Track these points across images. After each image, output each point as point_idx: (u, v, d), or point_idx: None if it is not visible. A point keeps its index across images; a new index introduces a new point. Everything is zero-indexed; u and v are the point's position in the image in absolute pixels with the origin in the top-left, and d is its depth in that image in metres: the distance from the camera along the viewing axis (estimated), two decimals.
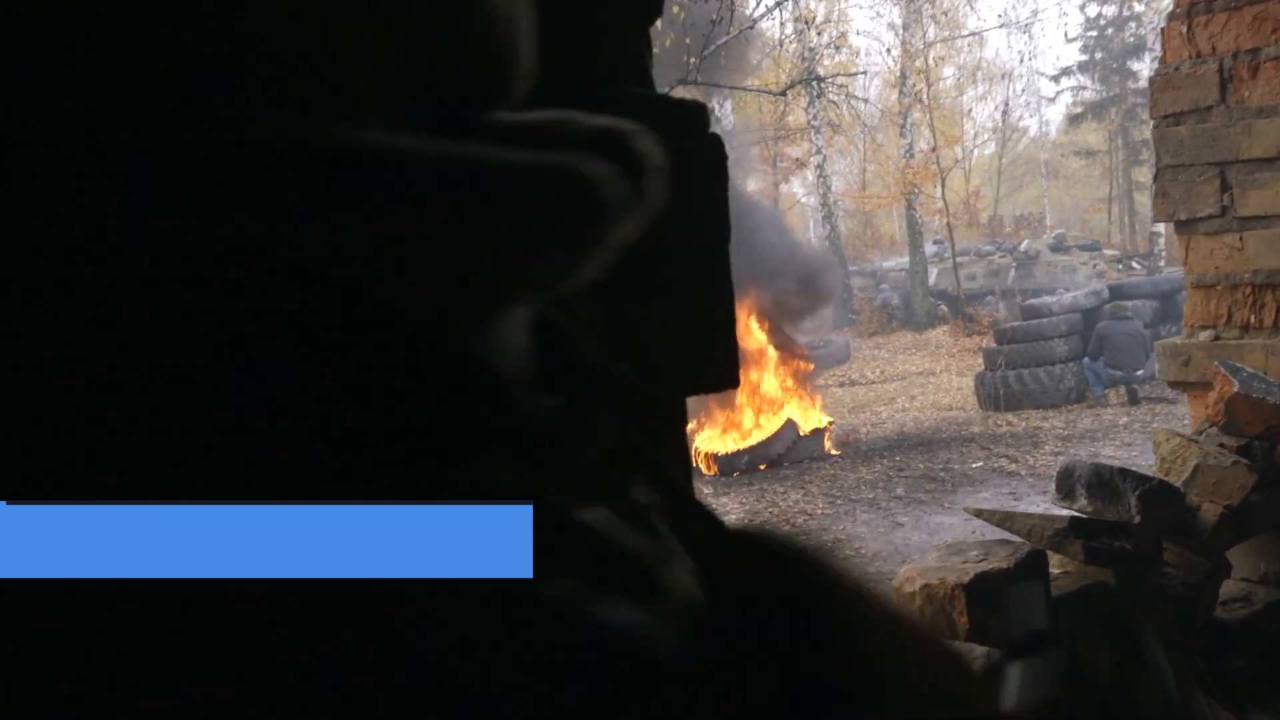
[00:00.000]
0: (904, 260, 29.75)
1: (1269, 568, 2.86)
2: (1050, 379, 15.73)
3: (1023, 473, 11.24)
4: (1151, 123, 3.15)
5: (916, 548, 8.82)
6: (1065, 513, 2.27)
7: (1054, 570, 2.37)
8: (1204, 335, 3.06)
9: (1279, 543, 2.84)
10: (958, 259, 27.69)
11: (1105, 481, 2.33)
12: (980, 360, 17.19)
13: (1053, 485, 2.38)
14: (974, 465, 11.73)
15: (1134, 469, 2.40)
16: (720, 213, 1.19)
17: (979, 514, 2.29)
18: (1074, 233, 32.69)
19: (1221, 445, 2.68)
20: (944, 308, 27.30)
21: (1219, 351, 3.00)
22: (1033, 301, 17.55)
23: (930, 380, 20.35)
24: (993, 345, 16.60)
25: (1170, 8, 3.08)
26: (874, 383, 20.81)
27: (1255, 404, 2.70)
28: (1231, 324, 3.02)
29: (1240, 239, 2.98)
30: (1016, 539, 2.24)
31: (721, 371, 1.22)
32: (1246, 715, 2.46)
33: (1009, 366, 15.92)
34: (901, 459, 12.44)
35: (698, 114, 1.16)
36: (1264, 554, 2.86)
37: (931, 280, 28.19)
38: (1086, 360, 15.43)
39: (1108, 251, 28.03)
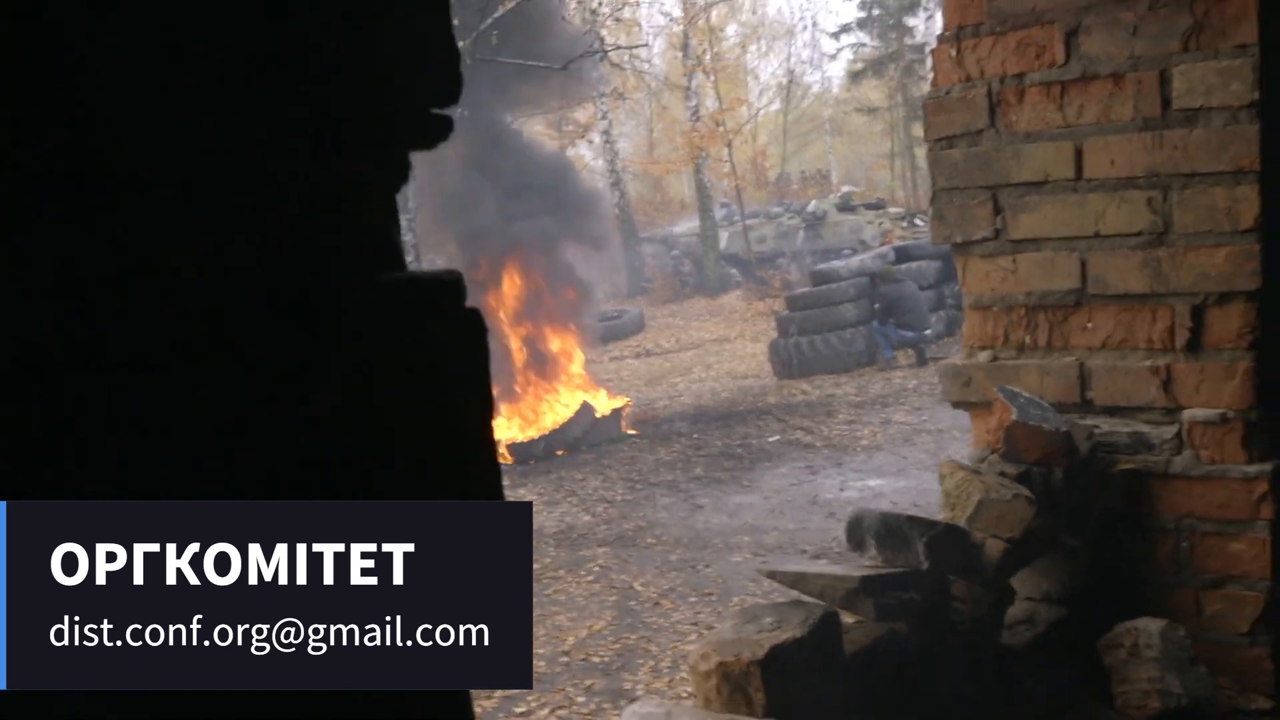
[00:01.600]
0: (695, 225, 30.04)
1: (1050, 586, 2.92)
2: (842, 343, 16.12)
3: (818, 444, 11.49)
4: (926, 144, 3.16)
5: (718, 531, 8.92)
6: (857, 571, 2.25)
7: (848, 621, 2.36)
8: (983, 356, 3.10)
9: (1058, 561, 2.90)
10: (747, 221, 28.11)
11: (894, 530, 2.33)
12: (774, 326, 17.49)
13: (843, 534, 2.36)
14: (771, 439, 11.92)
15: (920, 515, 2.40)
16: (482, 392, 1.09)
17: (771, 575, 2.26)
18: (859, 190, 33.52)
19: (1002, 474, 2.72)
20: (735, 272, 27.71)
21: (997, 372, 3.04)
22: (822, 266, 17.93)
23: (725, 347, 20.63)
24: (785, 312, 16.91)
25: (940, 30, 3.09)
26: (670, 352, 20.98)
27: (1033, 432, 2.75)
28: (1008, 344, 3.07)
29: (1014, 261, 3.02)
30: (810, 600, 2.21)
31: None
32: None
33: (801, 333, 16.24)
34: (699, 436, 12.56)
35: (451, 290, 1.05)
36: (1045, 574, 2.92)
37: (723, 245, 28.56)
38: (875, 324, 15.86)
39: (892, 209, 28.83)
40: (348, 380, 0.98)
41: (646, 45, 28.30)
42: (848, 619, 2.36)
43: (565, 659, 6.96)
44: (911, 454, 10.45)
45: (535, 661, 6.97)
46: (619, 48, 17.77)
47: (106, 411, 0.57)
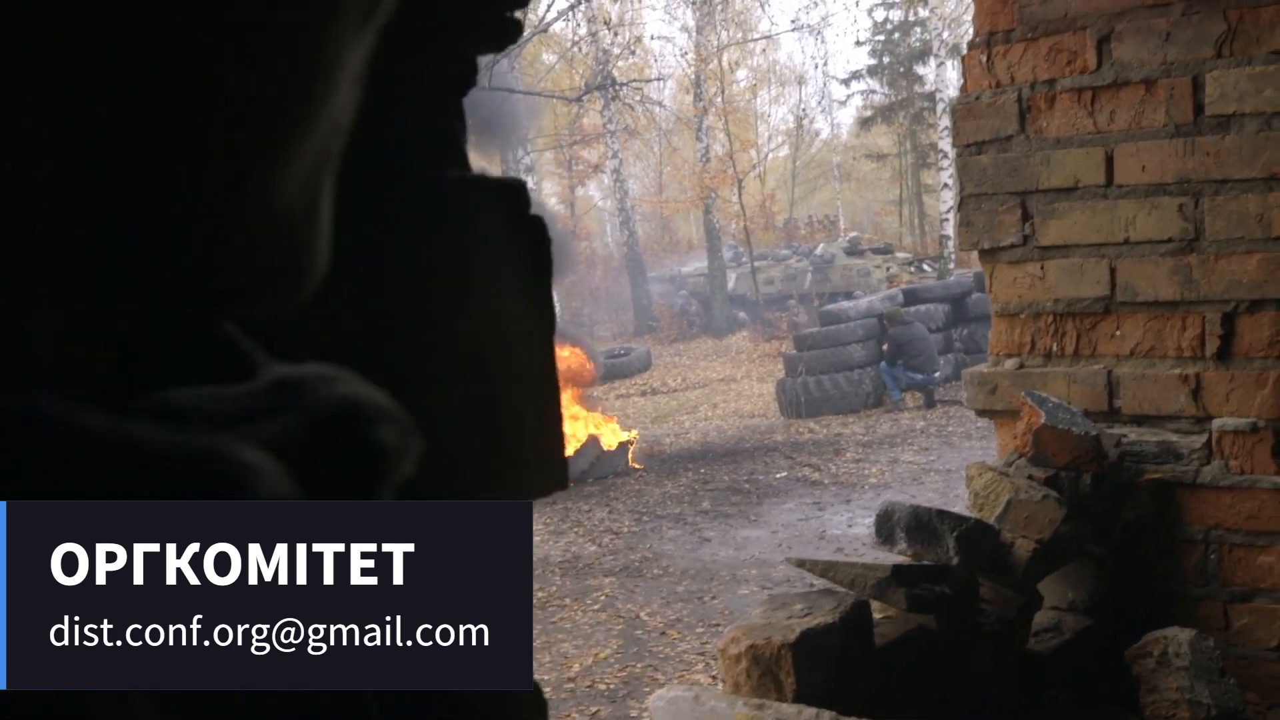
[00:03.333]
0: (703, 265, 30.08)
1: (1076, 595, 2.88)
2: (849, 384, 16.09)
3: (826, 481, 11.43)
4: (955, 150, 3.14)
5: (725, 564, 8.86)
6: (887, 559, 2.22)
7: (877, 616, 2.32)
8: (1009, 364, 3.08)
9: (1085, 570, 2.87)
10: (755, 263, 28.15)
11: (924, 524, 2.29)
12: (780, 366, 17.46)
13: (872, 529, 2.33)
14: (778, 475, 11.87)
15: (950, 510, 2.37)
16: (543, 303, 1.07)
17: (801, 564, 2.23)
18: (867, 235, 33.61)
19: (1030, 477, 2.69)
20: (743, 314, 27.72)
21: (1023, 380, 3.02)
22: (830, 307, 17.93)
23: (732, 387, 20.60)
24: (792, 351, 16.89)
25: (970, 36, 3.09)
26: (676, 390, 20.95)
27: (1061, 435, 2.72)
28: (1035, 352, 3.05)
29: (1041, 268, 3.00)
30: (840, 589, 2.17)
31: (550, 472, 1.11)
32: None
33: (809, 373, 16.22)
34: (706, 471, 12.51)
35: (515, 195, 1.03)
36: (1071, 582, 2.88)
37: (730, 285, 28.58)
38: (883, 365, 15.84)
39: (900, 254, 28.87)
40: (414, 272, 0.96)
41: (660, 79, 28.43)
42: (876, 613, 2.32)
43: (570, 685, 6.89)
44: (920, 492, 10.39)
45: (541, 689, 6.88)
46: (632, 80, 17.84)
47: None
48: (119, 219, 0.36)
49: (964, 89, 3.11)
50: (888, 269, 26.39)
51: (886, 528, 2.36)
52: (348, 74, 0.41)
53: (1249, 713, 2.78)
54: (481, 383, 1.01)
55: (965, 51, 3.09)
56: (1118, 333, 2.94)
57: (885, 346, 15.81)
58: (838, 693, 2.03)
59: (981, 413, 3.16)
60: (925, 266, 26.73)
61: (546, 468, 1.08)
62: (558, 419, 1.08)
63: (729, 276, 28.79)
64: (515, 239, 1.02)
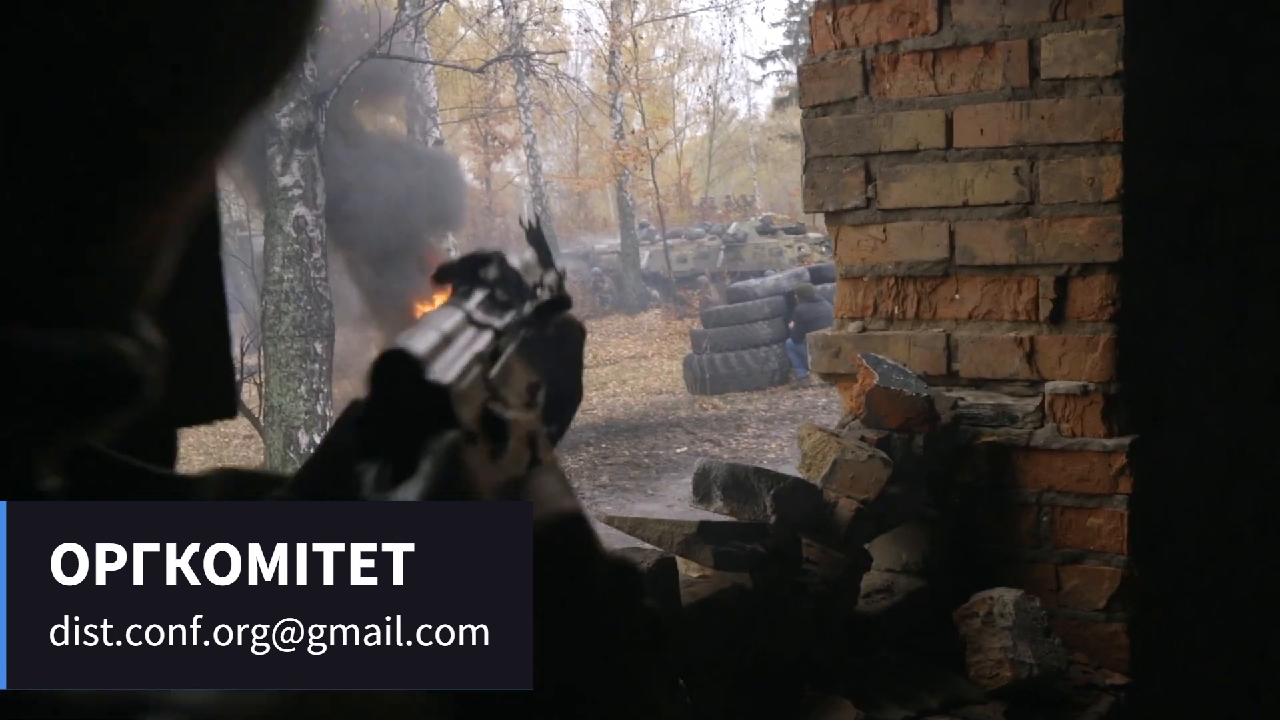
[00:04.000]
0: (616, 242, 30.04)
1: (910, 557, 2.89)
2: (755, 361, 16.16)
3: (725, 456, 11.45)
4: (801, 111, 3.13)
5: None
6: (700, 516, 2.20)
7: (692, 575, 2.30)
8: (852, 327, 3.08)
9: (919, 532, 2.88)
10: (668, 241, 28.15)
11: (741, 482, 2.28)
12: (689, 343, 17.49)
13: (689, 488, 2.30)
14: (679, 450, 11.90)
15: (771, 468, 2.35)
16: (208, 215, 1.02)
17: (610, 521, 2.20)
18: (782, 215, 33.71)
19: (863, 439, 2.68)
20: (655, 292, 27.73)
21: (866, 343, 3.02)
22: (737, 284, 18.00)
23: (642, 364, 20.60)
24: (699, 329, 16.92)
25: None
26: (587, 367, 20.87)
27: (894, 396, 2.72)
28: (878, 315, 3.05)
29: (884, 230, 3.00)
30: (648, 546, 2.15)
31: (216, 399, 1.06)
32: (880, 709, 2.46)
33: (715, 349, 16.26)
34: (608, 446, 12.50)
35: None
36: (905, 544, 2.89)
37: (643, 263, 28.57)
38: (789, 342, 15.92)
39: (812, 234, 29.01)
40: None
41: (567, 51, 28.29)
42: (691, 572, 2.30)
43: None
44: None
45: None
46: (542, 53, 17.66)
47: None
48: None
49: (811, 50, 3.09)
50: (799, 249, 26.52)
51: (704, 486, 2.34)
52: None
53: (1075, 673, 2.81)
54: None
55: (812, 13, 3.08)
56: (956, 296, 2.94)
57: (792, 324, 15.89)
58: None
59: (825, 376, 3.16)
60: None
61: (216, 392, 1.03)
62: (226, 339, 1.04)
63: (642, 254, 28.77)
64: None
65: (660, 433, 13.09)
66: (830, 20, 3.02)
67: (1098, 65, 2.70)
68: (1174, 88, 2.95)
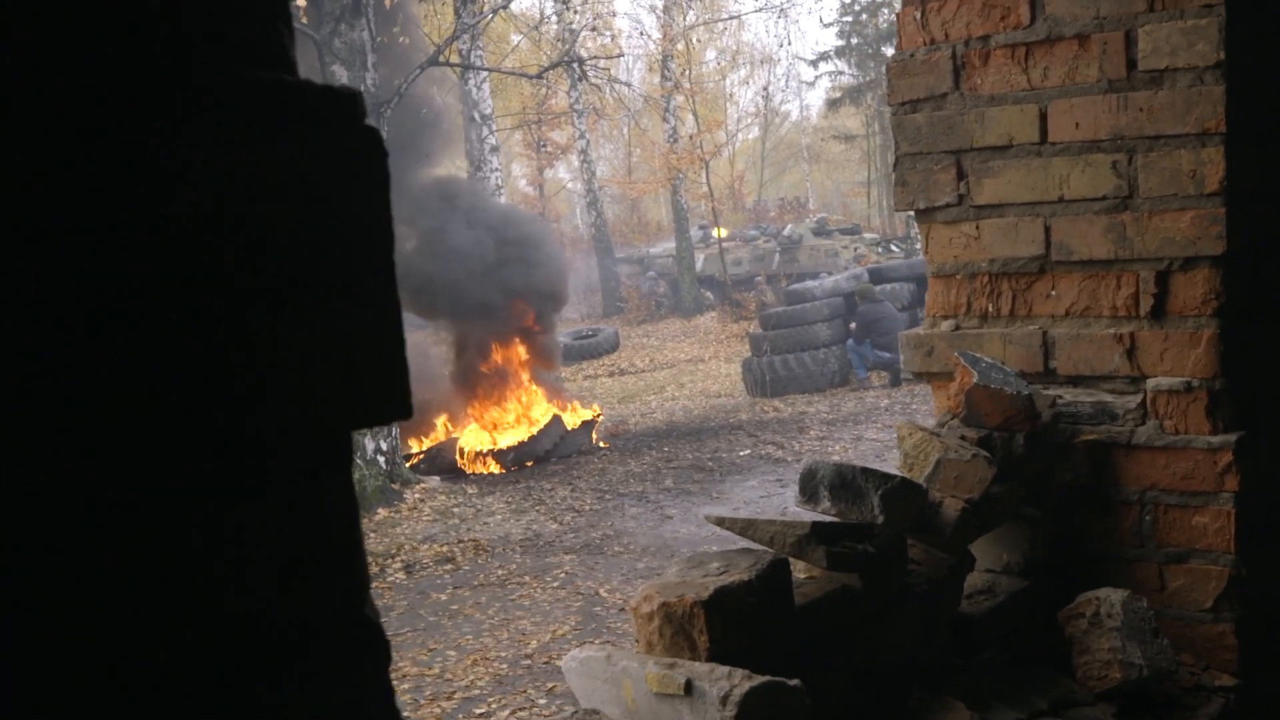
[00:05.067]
0: (671, 246, 30.02)
1: (1011, 557, 2.86)
2: (815, 363, 16.08)
3: (789, 459, 11.41)
4: (890, 109, 3.10)
5: (686, 540, 8.83)
6: (809, 517, 2.18)
7: (800, 576, 2.28)
8: (945, 325, 3.04)
9: (1019, 532, 2.84)
10: (723, 244, 28.10)
11: (848, 482, 2.25)
12: (747, 346, 17.44)
13: (796, 488, 2.28)
14: (742, 453, 11.85)
15: (877, 468, 2.33)
16: (380, 217, 1.02)
17: (720, 522, 2.18)
18: (835, 216, 33.61)
19: (963, 438, 2.65)
20: (710, 295, 27.68)
21: (959, 341, 2.98)
22: (796, 286, 17.91)
23: (699, 367, 20.57)
24: (758, 331, 16.86)
25: None
26: (643, 371, 20.91)
27: (994, 395, 2.68)
28: (971, 313, 3.01)
29: (977, 228, 2.97)
30: (759, 547, 2.13)
31: (390, 399, 1.05)
32: (991, 710, 2.43)
33: (774, 352, 16.20)
34: (670, 449, 12.47)
35: (346, 104, 0.97)
36: (1006, 544, 2.85)
37: (698, 266, 28.53)
38: (850, 343, 15.82)
39: (868, 235, 28.88)
40: (209, 189, 0.90)
41: (622, 54, 28.29)
42: (800, 573, 2.28)
43: (527, 662, 6.85)
44: (884, 469, 10.38)
45: (498, 664, 6.86)
46: (596, 58, 17.68)
47: None
48: None
49: (899, 46, 3.06)
50: (855, 249, 26.40)
51: (810, 486, 2.32)
52: None
53: (1183, 674, 2.76)
54: (322, 302, 0.95)
55: (900, 9, 3.05)
56: (1053, 293, 2.90)
57: (853, 325, 15.79)
58: (753, 652, 1.99)
59: (918, 375, 3.13)
60: (893, 247, 26.73)
61: (390, 392, 1.03)
62: (400, 340, 1.03)
63: (697, 258, 28.74)
64: (348, 150, 0.96)
65: (722, 435, 13.04)
66: (919, 16, 2.99)
67: (1198, 55, 2.66)
68: (1271, 75, 2.90)
